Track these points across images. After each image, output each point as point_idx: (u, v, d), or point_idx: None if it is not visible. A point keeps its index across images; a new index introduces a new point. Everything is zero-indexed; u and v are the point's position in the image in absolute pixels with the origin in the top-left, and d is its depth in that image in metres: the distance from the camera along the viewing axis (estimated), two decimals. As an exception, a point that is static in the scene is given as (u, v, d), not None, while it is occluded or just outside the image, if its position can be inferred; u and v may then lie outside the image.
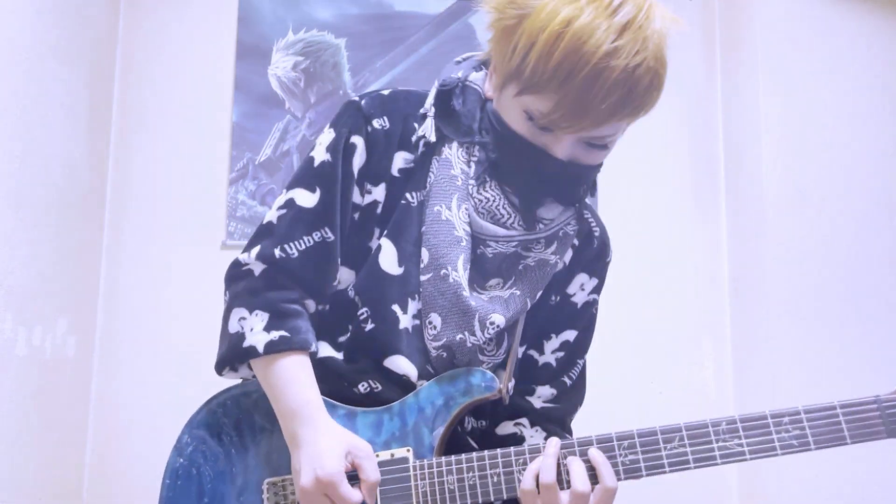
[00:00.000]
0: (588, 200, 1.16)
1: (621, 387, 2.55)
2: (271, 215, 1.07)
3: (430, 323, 1.04)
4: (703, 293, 2.65)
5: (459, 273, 1.02)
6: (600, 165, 1.08)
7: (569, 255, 1.14)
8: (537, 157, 1.00)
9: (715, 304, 2.64)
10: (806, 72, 2.43)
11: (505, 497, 0.98)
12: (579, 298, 1.17)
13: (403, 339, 1.05)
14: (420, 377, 1.05)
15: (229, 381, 1.16)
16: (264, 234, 1.06)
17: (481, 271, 1.07)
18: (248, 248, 1.07)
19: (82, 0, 2.41)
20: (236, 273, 1.08)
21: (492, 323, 1.03)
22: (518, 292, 1.07)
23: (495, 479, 0.97)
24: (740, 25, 2.59)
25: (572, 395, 1.18)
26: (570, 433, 1.20)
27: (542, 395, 1.16)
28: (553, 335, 1.16)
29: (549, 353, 1.17)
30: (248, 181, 2.63)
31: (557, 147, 0.99)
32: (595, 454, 0.96)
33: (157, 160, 2.64)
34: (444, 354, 1.04)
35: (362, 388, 1.05)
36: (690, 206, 2.69)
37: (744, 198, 2.54)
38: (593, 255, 1.17)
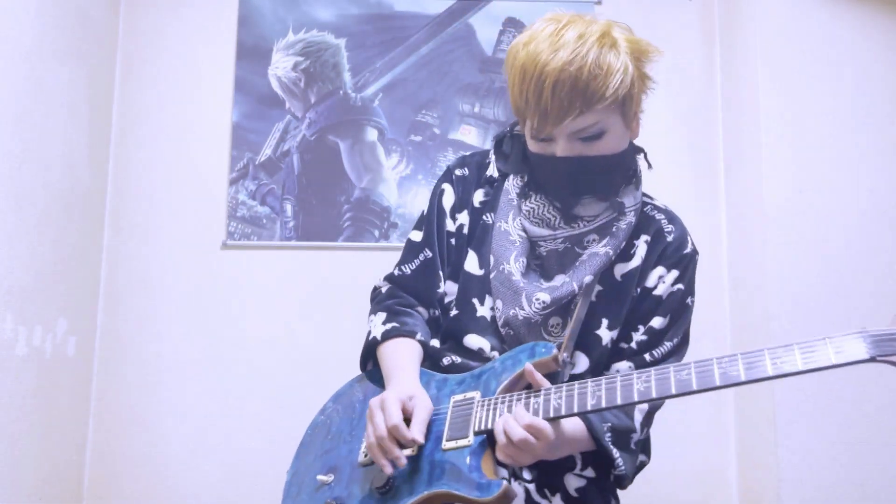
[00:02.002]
0: (653, 201, 1.42)
1: (621, 387, 2.55)
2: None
3: (496, 308, 1.32)
4: (703, 293, 2.64)
5: (511, 265, 1.31)
6: (624, 159, 1.31)
7: (641, 251, 1.34)
8: (548, 162, 1.27)
9: (715, 304, 2.64)
10: (806, 72, 2.43)
11: (542, 418, 1.15)
12: (662, 290, 1.35)
13: (480, 323, 1.34)
14: (492, 350, 1.32)
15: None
16: (395, 266, 1.46)
17: (546, 269, 1.33)
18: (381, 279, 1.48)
19: (82, 0, 2.41)
20: (373, 295, 1.47)
21: (537, 299, 1.28)
22: (568, 279, 1.29)
23: (535, 406, 1.16)
24: (740, 25, 2.59)
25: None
26: None
27: (619, 370, 1.32)
28: (641, 326, 1.35)
29: (635, 342, 1.35)
30: (248, 181, 2.63)
31: (559, 149, 1.25)
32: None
33: (157, 160, 2.64)
34: (511, 332, 1.31)
35: (446, 361, 1.34)
36: (690, 206, 2.69)
37: (744, 198, 2.54)
38: (669, 249, 1.36)
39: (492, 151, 1.45)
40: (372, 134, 2.66)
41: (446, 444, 1.20)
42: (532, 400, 1.17)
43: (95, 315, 2.55)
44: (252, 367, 2.55)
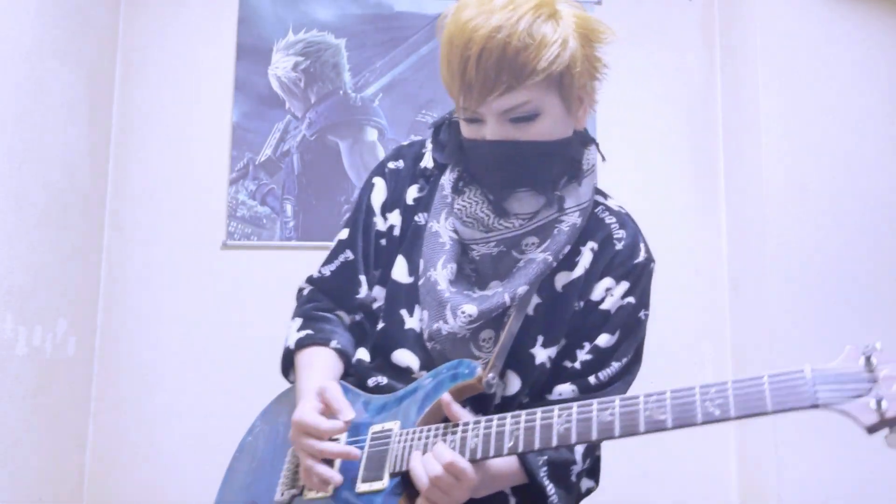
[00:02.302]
0: (605, 201, 1.25)
1: (621, 387, 2.55)
2: None
3: (422, 319, 1.19)
4: (703, 293, 2.65)
5: (438, 272, 1.17)
6: (565, 147, 1.15)
7: (586, 259, 1.19)
8: (478, 147, 1.13)
9: (715, 304, 2.64)
10: (806, 72, 2.43)
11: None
12: (610, 304, 1.19)
13: (409, 337, 1.20)
14: (422, 368, 1.19)
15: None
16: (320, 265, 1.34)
17: (481, 276, 1.19)
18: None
19: (82, 0, 2.41)
20: (297, 297, 1.37)
21: (463, 312, 1.14)
22: (500, 290, 1.16)
23: (452, 444, 1.04)
24: (740, 25, 2.59)
25: (596, 395, 1.13)
26: None
27: (561, 393, 1.18)
28: (586, 343, 1.19)
29: (579, 361, 1.19)
30: (248, 181, 2.63)
31: (488, 131, 1.11)
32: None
33: (157, 160, 2.64)
34: (438, 347, 1.17)
35: (371, 382, 1.22)
36: (690, 206, 2.69)
37: (744, 198, 2.54)
38: (618, 258, 1.20)
39: (429, 140, 1.30)
40: (372, 134, 2.66)
41: (360, 487, 1.08)
42: (449, 437, 1.04)
43: (95, 315, 2.55)
44: (252, 367, 2.54)
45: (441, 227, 1.20)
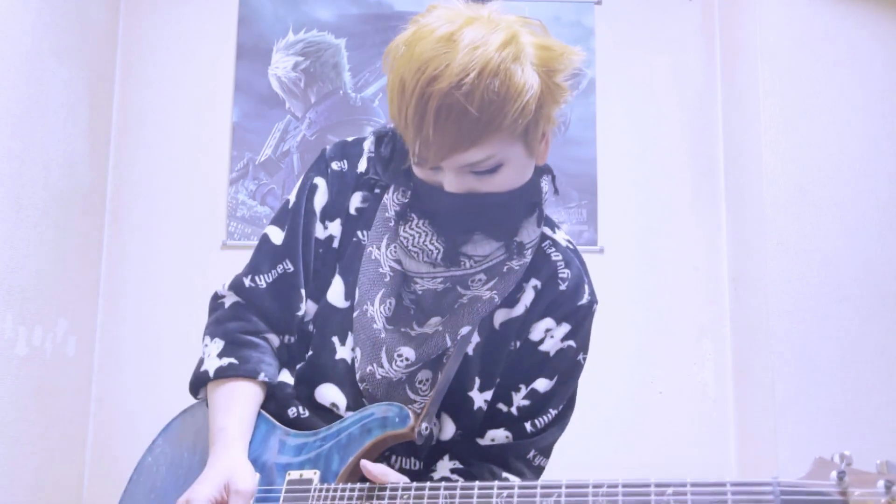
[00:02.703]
0: (554, 235, 1.14)
1: (621, 387, 2.55)
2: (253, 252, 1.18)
3: (356, 357, 1.08)
4: (703, 293, 2.65)
5: (375, 307, 1.07)
6: (526, 193, 1.05)
7: (528, 297, 1.10)
8: (435, 195, 1.01)
9: (715, 304, 2.64)
10: (806, 72, 2.43)
11: None
12: (550, 346, 1.11)
13: (338, 369, 1.09)
14: (349, 408, 1.08)
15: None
16: (244, 268, 1.18)
17: (422, 310, 1.08)
18: (227, 280, 1.19)
19: (82, 0, 2.41)
20: (213, 305, 1.20)
21: (399, 355, 1.05)
22: (441, 328, 1.06)
23: None
24: (740, 25, 2.59)
25: (532, 441, 1.11)
26: (519, 473, 1.11)
27: (494, 438, 1.11)
28: (522, 386, 1.11)
29: (515, 406, 1.11)
30: (248, 181, 2.63)
31: (446, 182, 0.99)
32: None
33: (157, 160, 2.64)
34: (370, 388, 1.07)
35: (290, 412, 1.10)
36: (690, 206, 2.69)
37: (744, 198, 2.54)
38: (561, 298, 1.10)
39: (369, 149, 1.14)
40: (372, 134, 2.66)
41: None
42: (384, 499, 0.96)
43: (95, 315, 2.55)
44: (252, 367, 2.55)
45: (382, 256, 1.08)
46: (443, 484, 0.94)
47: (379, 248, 1.08)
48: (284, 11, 2.70)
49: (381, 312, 1.07)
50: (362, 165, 1.14)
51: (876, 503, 0.73)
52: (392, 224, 1.08)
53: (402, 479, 0.98)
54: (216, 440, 1.06)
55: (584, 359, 1.14)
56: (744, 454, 2.51)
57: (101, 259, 2.58)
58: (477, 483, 0.92)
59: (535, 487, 0.88)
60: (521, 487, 0.89)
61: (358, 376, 1.07)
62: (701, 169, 2.71)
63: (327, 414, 1.09)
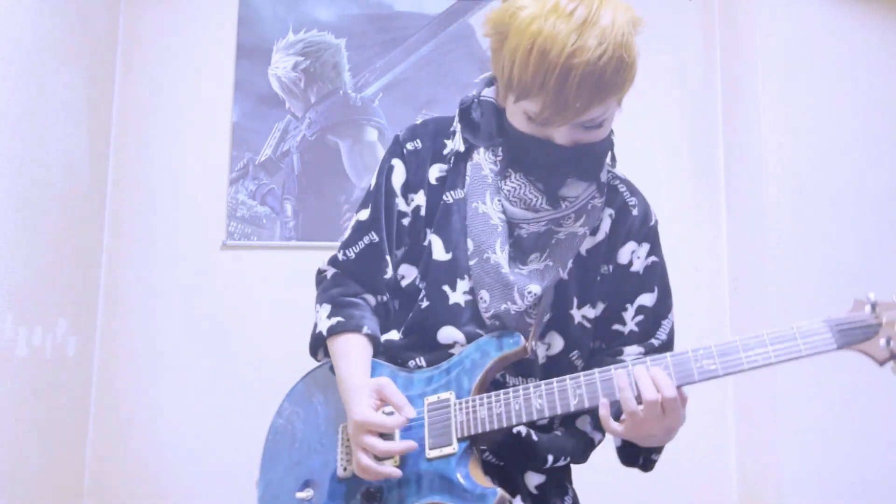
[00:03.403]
0: (614, 170, 1.34)
1: (621, 387, 2.55)
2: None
3: (482, 298, 1.24)
4: (703, 293, 2.65)
5: (498, 254, 1.23)
6: (609, 140, 1.26)
7: (606, 225, 1.30)
8: (545, 148, 1.19)
9: (715, 304, 2.64)
10: (806, 71, 2.43)
11: (524, 420, 1.16)
12: (638, 265, 1.31)
13: (453, 313, 1.26)
14: (468, 342, 1.25)
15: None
16: (340, 246, 1.36)
17: (522, 250, 1.26)
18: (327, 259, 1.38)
19: (82, 0, 2.41)
20: (318, 279, 1.39)
21: (529, 292, 1.22)
22: (551, 263, 1.25)
23: (517, 406, 1.16)
24: (740, 25, 2.59)
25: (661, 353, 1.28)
26: None
27: (630, 354, 1.29)
28: (629, 305, 1.31)
29: (631, 322, 1.30)
30: (248, 181, 2.63)
31: (558, 136, 1.17)
32: (655, 371, 1.13)
33: (157, 160, 2.64)
34: (497, 322, 1.24)
35: (411, 364, 1.28)
36: (690, 206, 2.69)
37: (744, 198, 2.55)
38: (636, 223, 1.32)
39: (457, 121, 1.32)
40: (372, 134, 2.66)
41: (430, 453, 1.18)
42: (513, 400, 1.16)
43: (95, 315, 2.55)
44: (252, 366, 2.55)
45: (489, 209, 1.25)
46: (567, 377, 1.15)
47: (484, 203, 1.25)
48: (284, 11, 2.70)
49: (503, 258, 1.23)
50: (454, 143, 1.31)
51: None
52: (490, 181, 1.26)
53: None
54: (347, 382, 1.23)
55: (666, 268, 1.35)
56: (744, 454, 2.51)
57: (101, 259, 2.58)
58: (597, 370, 1.14)
59: (644, 362, 1.13)
60: (634, 363, 1.12)
61: (489, 314, 1.23)
62: (701, 169, 2.71)
63: (443, 354, 1.26)
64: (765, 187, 2.40)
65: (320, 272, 1.38)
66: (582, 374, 1.14)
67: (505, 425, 1.17)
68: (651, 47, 2.75)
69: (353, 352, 1.27)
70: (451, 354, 1.25)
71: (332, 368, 1.31)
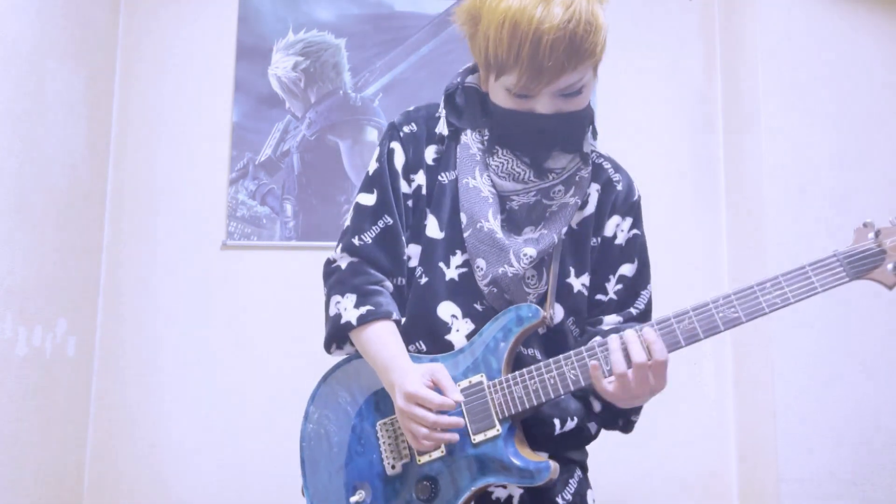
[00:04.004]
0: (598, 149, 1.41)
1: (621, 387, 2.55)
2: (347, 219, 1.38)
3: (479, 267, 1.29)
4: (703, 293, 2.65)
5: (491, 222, 1.28)
6: (590, 111, 1.32)
7: (593, 199, 1.36)
8: (528, 119, 1.25)
9: (715, 304, 2.64)
10: (806, 71, 2.43)
11: (562, 393, 1.21)
12: (622, 238, 1.37)
13: (449, 287, 1.31)
14: (465, 315, 1.30)
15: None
16: (344, 234, 1.37)
17: (515, 223, 1.32)
18: (335, 249, 1.38)
19: (82, 0, 2.41)
20: (328, 270, 1.39)
21: (525, 255, 1.27)
22: (546, 231, 1.30)
23: (552, 380, 1.20)
24: (740, 25, 2.59)
25: (639, 322, 1.32)
26: None
27: (608, 323, 1.34)
28: (611, 276, 1.37)
29: (612, 291, 1.37)
30: (248, 181, 2.63)
31: (539, 106, 1.24)
32: (648, 332, 1.18)
33: (157, 160, 2.64)
34: (495, 290, 1.28)
35: (411, 348, 1.31)
36: (690, 206, 2.69)
37: (744, 198, 2.55)
38: (619, 198, 1.38)
39: (442, 105, 1.39)
40: (372, 134, 2.66)
41: (476, 438, 1.21)
42: (546, 376, 1.20)
43: (95, 315, 2.55)
44: (252, 366, 2.55)
45: (479, 183, 1.31)
46: (596, 343, 1.19)
47: (474, 178, 1.32)
48: (284, 11, 2.70)
49: (497, 225, 1.29)
50: (440, 126, 1.38)
51: None
52: (479, 158, 1.32)
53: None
54: (393, 365, 1.25)
55: (646, 241, 1.43)
56: (744, 454, 2.51)
57: (101, 259, 2.58)
58: (618, 336, 1.18)
59: (668, 319, 1.19)
60: (658, 324, 1.19)
61: (486, 281, 1.28)
62: (701, 169, 2.71)
63: (441, 336, 1.30)
64: (765, 187, 2.40)
65: (331, 262, 1.39)
66: (609, 338, 1.18)
67: (543, 400, 1.21)
68: (651, 47, 2.76)
69: (390, 339, 1.29)
70: (449, 342, 1.29)
71: (348, 363, 1.35)
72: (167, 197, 2.62)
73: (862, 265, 1.13)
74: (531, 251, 1.27)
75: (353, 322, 1.30)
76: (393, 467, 1.26)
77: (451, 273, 1.32)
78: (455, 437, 1.20)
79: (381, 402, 1.32)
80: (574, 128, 1.30)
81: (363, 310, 1.30)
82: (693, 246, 2.66)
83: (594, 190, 1.37)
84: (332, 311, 1.34)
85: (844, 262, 1.13)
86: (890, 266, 1.11)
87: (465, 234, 1.30)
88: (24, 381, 2.11)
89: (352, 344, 1.35)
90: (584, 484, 1.34)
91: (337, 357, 1.39)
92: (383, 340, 1.29)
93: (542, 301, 1.31)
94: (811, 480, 2.28)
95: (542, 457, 1.21)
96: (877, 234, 1.13)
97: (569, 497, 1.31)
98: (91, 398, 2.52)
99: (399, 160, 1.37)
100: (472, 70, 1.39)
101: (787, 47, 2.45)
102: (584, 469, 1.38)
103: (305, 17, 2.70)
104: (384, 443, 1.29)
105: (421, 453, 1.24)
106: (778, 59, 2.44)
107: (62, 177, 2.31)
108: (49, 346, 2.24)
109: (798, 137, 2.41)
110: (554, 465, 1.17)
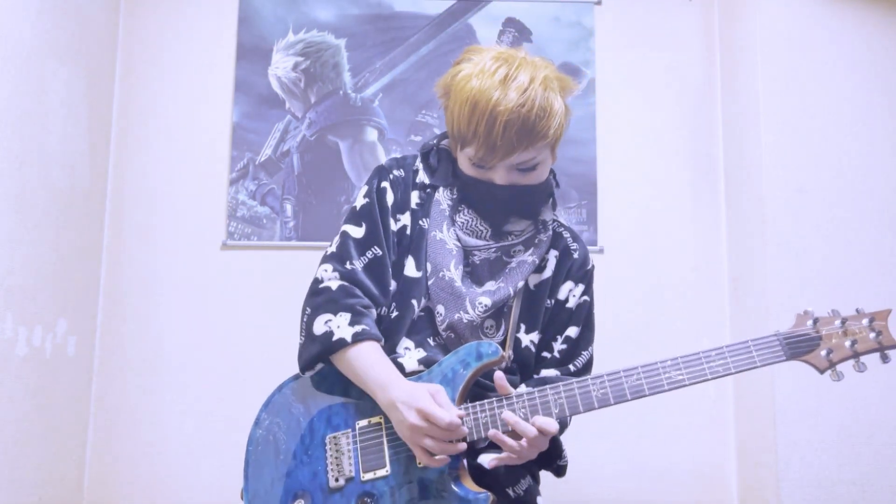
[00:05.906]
0: (555, 213, 1.54)
1: (621, 387, 2.55)
2: (332, 246, 1.46)
3: (438, 312, 1.41)
4: (703, 293, 2.65)
5: (452, 272, 1.41)
6: (549, 185, 1.48)
7: (551, 264, 1.50)
8: (487, 188, 1.41)
9: (715, 304, 2.64)
10: (806, 72, 2.43)
11: (509, 428, 1.26)
12: (573, 302, 1.50)
13: (416, 324, 1.42)
14: (417, 346, 1.40)
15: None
16: (330, 259, 1.44)
17: (477, 276, 1.45)
18: (320, 271, 1.44)
19: (82, 0, 2.41)
20: (315, 290, 1.43)
21: (480, 303, 1.40)
22: (503, 284, 1.43)
23: (484, 418, 1.29)
24: (740, 25, 2.59)
25: (575, 377, 1.42)
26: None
27: (547, 375, 1.45)
28: (558, 336, 1.49)
29: (556, 350, 1.48)
30: (248, 181, 2.63)
31: (497, 177, 1.39)
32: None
33: (157, 160, 2.64)
34: (452, 335, 1.41)
35: None
36: (690, 206, 2.69)
37: (744, 198, 2.55)
38: (575, 266, 1.51)
39: (419, 161, 1.52)
40: (372, 134, 2.66)
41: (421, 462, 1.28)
42: (506, 407, 1.28)
43: (95, 315, 2.55)
44: (252, 366, 2.55)
45: (445, 236, 1.44)
46: (548, 387, 1.29)
47: (442, 231, 1.44)
48: (284, 11, 2.70)
49: (457, 275, 1.41)
50: (421, 175, 1.51)
51: (836, 333, 1.25)
52: (447, 214, 1.46)
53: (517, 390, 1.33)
54: (392, 381, 1.31)
55: (594, 307, 1.54)
56: (744, 454, 2.51)
57: (101, 259, 2.58)
58: (575, 380, 1.29)
59: (618, 373, 1.28)
60: (608, 374, 1.28)
61: (444, 326, 1.41)
62: (701, 169, 2.71)
63: (393, 363, 1.36)
64: (765, 187, 2.40)
65: (319, 282, 1.43)
66: (561, 384, 1.29)
67: (491, 433, 1.27)
68: (651, 47, 2.77)
69: (384, 359, 1.36)
70: (401, 364, 1.37)
71: (303, 378, 1.41)
72: (167, 197, 2.62)
73: (799, 348, 1.23)
74: (486, 300, 1.40)
75: (348, 339, 1.34)
76: (336, 480, 1.31)
77: (419, 312, 1.43)
78: (464, 446, 1.26)
79: (333, 417, 1.37)
80: (529, 199, 1.43)
81: (358, 328, 1.35)
82: (693, 246, 2.66)
83: (552, 256, 1.50)
84: (320, 330, 1.37)
85: (784, 342, 1.25)
86: (823, 352, 1.21)
87: (430, 282, 1.42)
88: (24, 381, 2.11)
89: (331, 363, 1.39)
90: (534, 489, 1.43)
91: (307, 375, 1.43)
92: (378, 359, 1.34)
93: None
94: (811, 480, 2.28)
95: (479, 489, 1.27)
96: (815, 321, 1.25)
97: (520, 492, 1.39)
98: (91, 398, 2.52)
99: (390, 198, 1.47)
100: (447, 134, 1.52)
101: (787, 47, 2.45)
102: (536, 479, 1.48)
103: (305, 18, 2.70)
104: (331, 456, 1.33)
105: (368, 470, 1.31)
106: (778, 59, 2.44)
107: (62, 177, 2.31)
108: (49, 346, 2.24)
109: (798, 137, 2.41)
110: (493, 498, 1.24)
